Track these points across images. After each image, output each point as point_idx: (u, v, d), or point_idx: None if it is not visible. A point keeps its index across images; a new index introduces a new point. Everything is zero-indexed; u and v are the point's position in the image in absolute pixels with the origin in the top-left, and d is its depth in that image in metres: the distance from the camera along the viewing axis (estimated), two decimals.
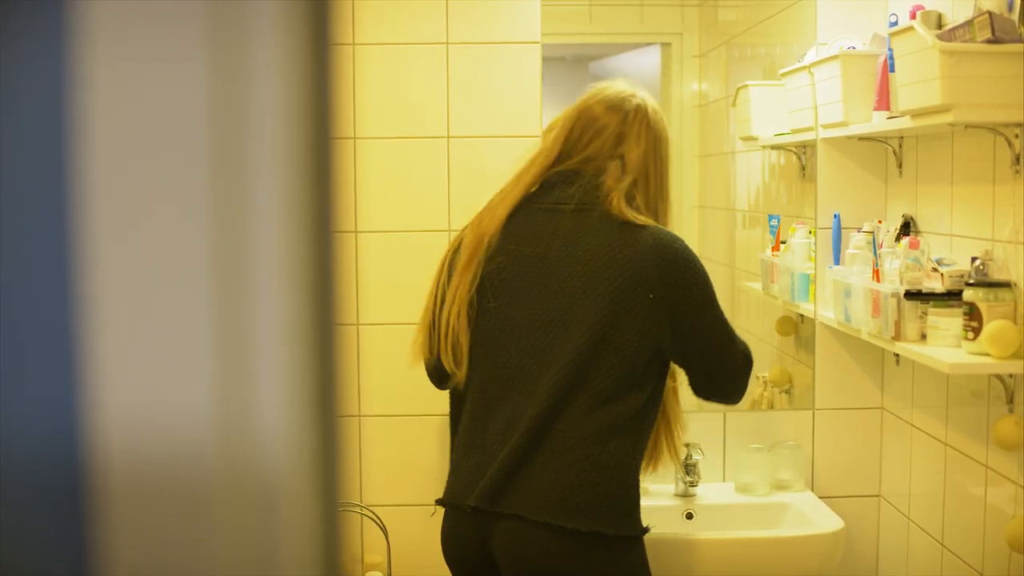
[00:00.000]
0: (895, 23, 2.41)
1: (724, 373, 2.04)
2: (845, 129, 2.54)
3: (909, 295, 2.23)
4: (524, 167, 2.05)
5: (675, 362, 2.04)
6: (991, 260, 2.09)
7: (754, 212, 3.05)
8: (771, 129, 2.86)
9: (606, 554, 1.90)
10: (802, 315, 2.87)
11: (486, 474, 1.93)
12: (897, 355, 2.61)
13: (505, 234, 2.00)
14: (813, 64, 2.62)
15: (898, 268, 2.27)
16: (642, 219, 1.95)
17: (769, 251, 2.90)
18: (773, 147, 2.93)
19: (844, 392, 2.80)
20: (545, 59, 2.71)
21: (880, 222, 2.58)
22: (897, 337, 2.26)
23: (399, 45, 2.67)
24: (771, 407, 2.91)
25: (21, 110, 0.39)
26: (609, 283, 1.91)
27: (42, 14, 0.39)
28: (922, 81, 2.02)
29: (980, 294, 2.06)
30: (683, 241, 2.00)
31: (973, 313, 2.06)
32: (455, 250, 2.07)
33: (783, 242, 2.85)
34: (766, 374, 2.95)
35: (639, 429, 1.95)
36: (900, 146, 2.64)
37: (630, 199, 1.97)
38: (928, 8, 2.27)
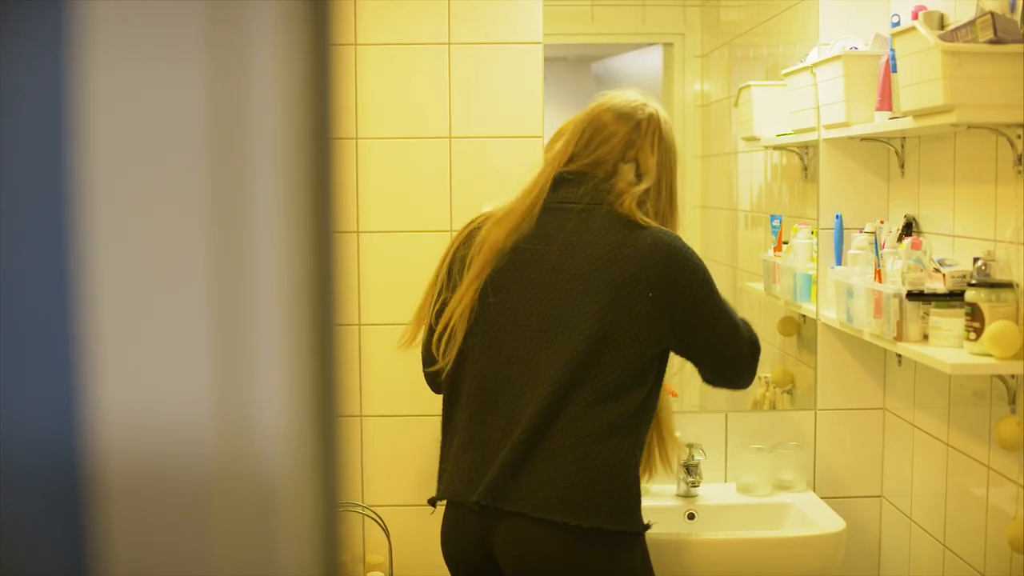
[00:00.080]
0: (897, 23, 2.41)
1: (731, 364, 2.05)
2: (847, 129, 2.54)
3: (911, 296, 2.23)
4: (534, 179, 2.07)
5: (682, 356, 2.06)
6: (993, 261, 2.09)
7: (756, 212, 3.05)
8: (773, 129, 2.86)
9: (607, 551, 1.90)
10: (804, 315, 2.87)
11: (488, 471, 1.93)
12: (899, 355, 2.61)
13: (512, 235, 2.01)
14: (815, 64, 2.62)
15: (900, 268, 2.27)
16: (645, 220, 1.97)
17: (771, 251, 2.90)
18: (775, 147, 2.93)
19: (846, 392, 2.80)
20: (547, 59, 2.71)
21: (882, 222, 2.58)
22: (899, 338, 2.26)
23: (401, 45, 2.67)
24: (773, 407, 2.91)
25: (21, 110, 0.39)
26: (609, 282, 1.92)
27: (42, 14, 0.39)
28: (924, 81, 2.02)
29: (982, 295, 2.05)
30: (682, 240, 2.01)
31: (975, 314, 2.06)
32: (456, 248, 2.07)
33: (785, 242, 2.85)
34: (768, 374, 2.95)
35: (638, 427, 1.96)
36: (902, 146, 2.64)
37: (641, 203, 1.99)
38: (930, 8, 2.27)
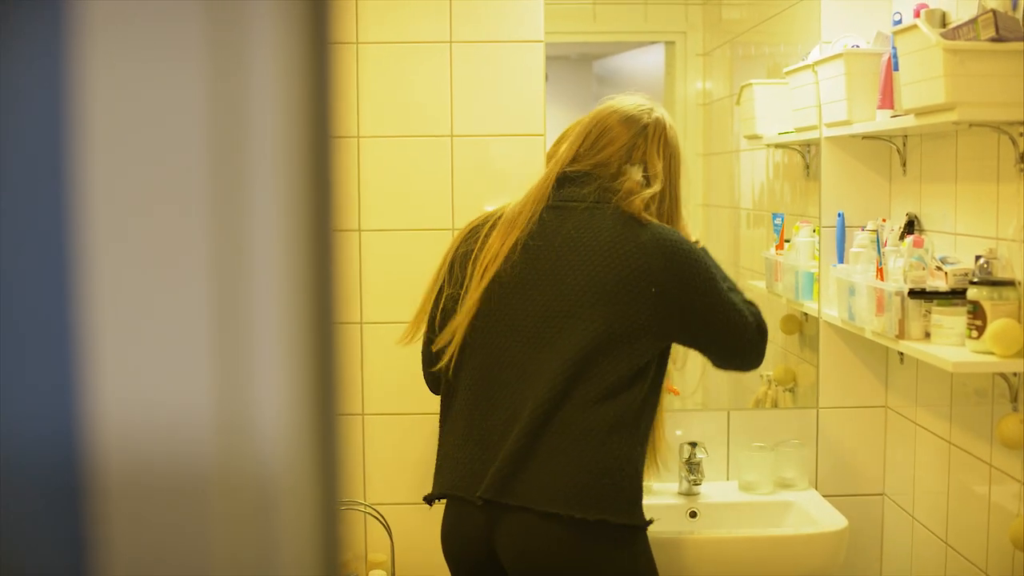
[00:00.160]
0: (899, 21, 2.41)
1: (740, 351, 2.06)
2: (849, 128, 2.54)
3: (913, 294, 2.23)
4: (538, 179, 2.08)
5: (690, 348, 2.07)
6: (995, 258, 2.09)
7: (758, 211, 3.05)
8: (775, 128, 2.86)
9: (610, 545, 1.90)
10: (806, 314, 2.87)
11: (490, 466, 1.93)
12: (901, 354, 2.60)
13: (515, 233, 2.02)
14: (817, 63, 2.62)
15: (902, 266, 2.27)
16: (647, 218, 1.98)
17: (773, 250, 2.90)
18: (777, 146, 2.93)
19: (848, 390, 2.80)
20: (549, 58, 2.71)
21: (884, 220, 2.58)
22: (901, 336, 2.26)
23: (402, 44, 2.67)
24: (775, 405, 2.91)
25: (20, 110, 0.39)
26: (612, 279, 1.93)
27: (41, 14, 0.39)
28: (926, 79, 2.02)
29: (984, 293, 2.05)
30: (682, 235, 2.03)
31: (977, 312, 2.06)
32: (457, 246, 2.08)
33: (787, 241, 2.85)
34: (770, 372, 2.95)
35: (640, 422, 1.97)
36: (904, 144, 2.64)
37: (647, 207, 2.01)
38: (932, 6, 2.27)
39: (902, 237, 2.42)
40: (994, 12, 1.93)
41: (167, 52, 0.39)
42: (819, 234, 2.76)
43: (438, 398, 2.16)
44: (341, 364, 0.45)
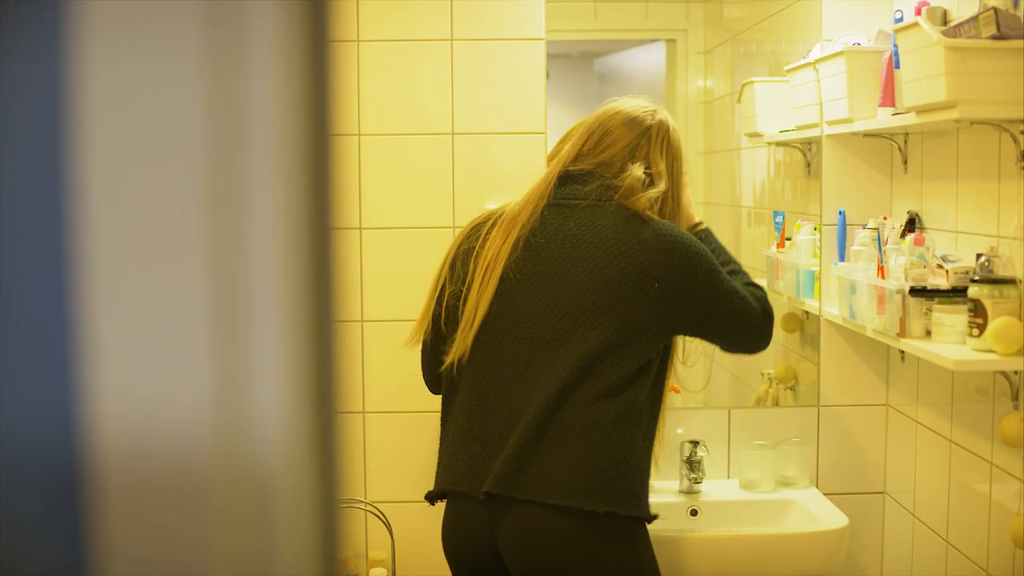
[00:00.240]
0: (900, 19, 2.41)
1: (746, 337, 2.09)
2: (850, 125, 2.54)
3: (914, 292, 2.23)
4: (540, 178, 2.09)
5: (697, 338, 2.10)
6: (996, 257, 2.09)
7: (759, 209, 3.05)
8: (776, 126, 2.86)
9: (614, 536, 1.92)
10: (807, 312, 2.87)
11: (493, 461, 1.94)
12: (902, 352, 2.60)
13: (517, 232, 2.03)
14: (818, 60, 2.62)
15: (903, 265, 2.27)
16: (648, 214, 2.00)
17: (774, 248, 2.90)
18: (778, 144, 2.93)
19: (849, 389, 2.80)
20: (550, 56, 2.71)
21: (885, 218, 2.58)
22: (902, 334, 2.26)
23: (404, 42, 2.67)
24: (776, 404, 2.91)
25: (20, 110, 0.39)
26: (615, 276, 1.95)
27: (40, 15, 0.39)
28: (927, 77, 2.02)
29: (985, 291, 2.05)
30: (681, 230, 2.04)
31: (978, 310, 2.06)
32: (459, 244, 2.09)
33: (788, 239, 2.85)
34: (771, 371, 2.95)
35: (645, 415, 1.99)
36: (905, 142, 2.64)
37: (651, 205, 2.03)
38: (933, 4, 2.26)
39: (903, 235, 2.42)
40: (995, 10, 1.93)
41: (166, 52, 0.39)
42: (820, 232, 2.76)
43: (438, 397, 2.16)
44: (340, 363, 0.45)
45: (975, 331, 2.07)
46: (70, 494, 0.40)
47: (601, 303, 1.94)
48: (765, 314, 2.09)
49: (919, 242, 2.30)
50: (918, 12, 2.23)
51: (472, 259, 2.04)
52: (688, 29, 3.05)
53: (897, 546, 2.76)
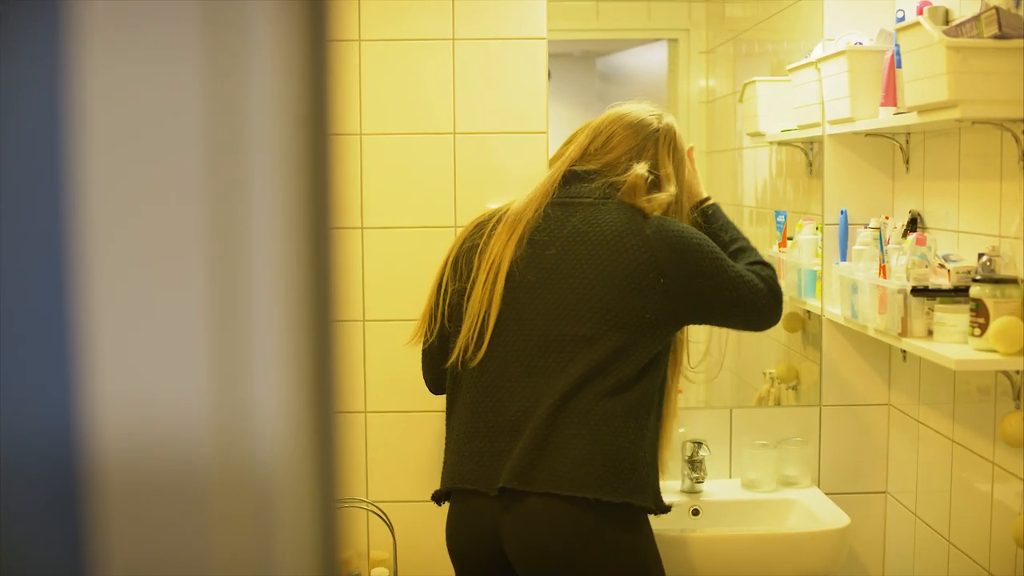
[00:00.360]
0: (902, 19, 2.41)
1: (756, 318, 2.13)
2: (852, 125, 2.54)
3: (916, 291, 2.23)
4: (544, 177, 2.10)
5: (707, 324, 2.14)
6: (998, 256, 2.09)
7: (761, 208, 3.05)
8: (778, 125, 2.86)
9: (626, 528, 1.93)
10: (809, 311, 2.87)
11: (504, 457, 1.94)
12: (904, 351, 2.60)
13: (520, 230, 2.04)
14: (820, 60, 2.62)
15: (905, 264, 2.27)
16: (650, 209, 2.02)
17: (776, 247, 2.90)
18: (780, 143, 2.92)
19: (851, 388, 2.80)
20: (552, 55, 2.71)
21: (887, 218, 2.57)
22: (904, 333, 2.26)
23: (405, 41, 2.67)
24: (778, 403, 2.91)
25: (19, 110, 0.39)
26: (620, 272, 1.97)
27: (39, 14, 0.39)
28: (929, 77, 2.02)
29: (987, 290, 2.05)
30: (681, 223, 2.06)
31: (980, 309, 2.06)
32: (462, 243, 2.09)
33: (790, 238, 2.85)
34: (773, 370, 2.95)
35: (654, 408, 2.01)
36: (907, 142, 2.63)
37: (664, 212, 2.06)
38: (935, 3, 2.26)
39: (905, 235, 2.42)
40: (997, 9, 1.93)
41: (165, 51, 0.39)
42: (822, 232, 2.76)
43: (440, 397, 2.16)
44: (339, 362, 0.45)
45: (977, 331, 2.07)
46: (70, 494, 0.40)
47: (607, 300, 1.95)
48: (772, 293, 2.11)
49: (921, 242, 2.30)
50: (920, 11, 2.23)
51: (476, 256, 2.04)
52: (690, 28, 3.05)
53: (899, 546, 2.76)
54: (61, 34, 0.39)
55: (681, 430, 2.74)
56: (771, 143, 2.95)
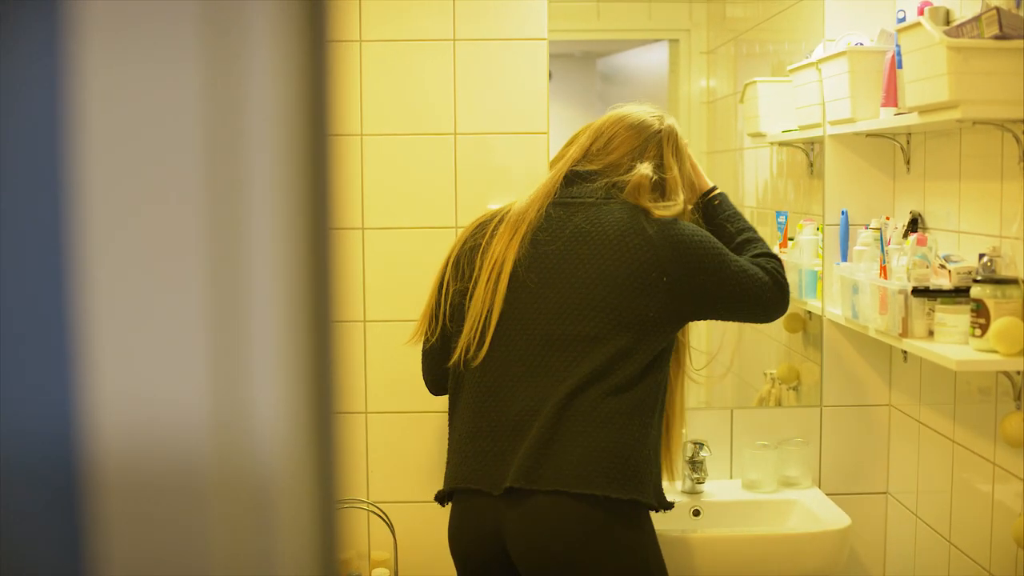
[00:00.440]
0: (903, 19, 2.41)
1: (762, 310, 2.13)
2: (853, 125, 2.54)
3: (916, 292, 2.23)
4: (546, 177, 2.11)
5: (712, 319, 2.15)
6: (999, 257, 2.09)
7: (762, 208, 3.05)
8: (779, 125, 2.86)
9: (629, 525, 1.94)
10: (810, 312, 2.87)
11: (509, 456, 1.94)
12: (905, 352, 2.60)
13: (522, 230, 2.04)
14: (821, 60, 2.62)
15: (906, 265, 2.27)
16: (652, 207, 2.02)
17: (777, 247, 2.90)
18: (781, 143, 2.92)
19: (851, 389, 2.79)
20: (552, 56, 2.71)
21: (888, 219, 2.57)
22: (904, 334, 2.25)
23: (406, 42, 2.67)
24: (778, 404, 2.91)
25: (18, 110, 0.39)
26: (624, 272, 1.97)
27: (38, 15, 0.39)
28: (930, 77, 2.02)
29: (987, 291, 2.05)
30: (682, 222, 2.06)
31: (980, 310, 2.06)
32: (463, 243, 2.09)
33: (791, 239, 2.85)
34: (774, 371, 2.95)
35: (658, 406, 2.02)
36: (908, 142, 2.63)
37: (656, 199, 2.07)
38: (936, 4, 2.26)
39: (906, 235, 2.42)
40: (998, 10, 1.93)
41: (164, 51, 0.39)
42: (823, 232, 2.76)
43: (440, 397, 2.16)
44: (339, 362, 0.45)
45: (977, 331, 2.07)
46: (69, 494, 0.40)
47: (610, 300, 1.96)
48: (777, 285, 2.11)
49: (921, 242, 2.30)
50: (920, 12, 2.23)
51: (478, 256, 2.04)
52: (691, 29, 3.05)
53: (899, 546, 2.76)
54: (61, 34, 0.39)
55: (683, 430, 2.74)
56: (772, 144, 2.95)
